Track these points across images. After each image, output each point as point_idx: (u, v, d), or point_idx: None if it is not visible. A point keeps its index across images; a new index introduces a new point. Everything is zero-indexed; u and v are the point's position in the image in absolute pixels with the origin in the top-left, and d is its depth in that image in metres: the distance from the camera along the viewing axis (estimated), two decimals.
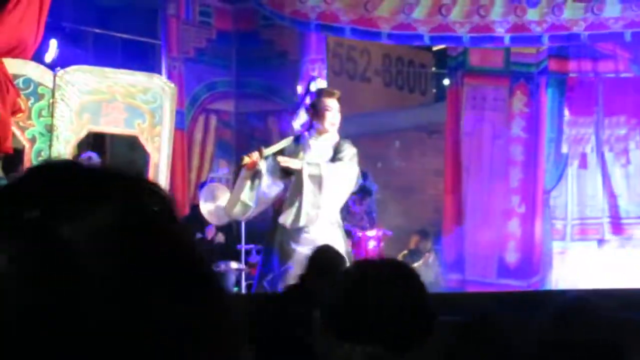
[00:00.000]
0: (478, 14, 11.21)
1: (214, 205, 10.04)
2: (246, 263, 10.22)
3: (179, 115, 10.88)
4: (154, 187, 1.06)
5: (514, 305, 6.63)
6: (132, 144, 10.14)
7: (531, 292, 10.76)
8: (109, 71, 9.29)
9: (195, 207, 10.49)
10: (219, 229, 10.39)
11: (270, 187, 7.85)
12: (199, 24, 12.40)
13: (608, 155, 12.04)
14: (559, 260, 12.11)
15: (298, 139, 8.17)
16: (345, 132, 10.57)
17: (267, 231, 8.19)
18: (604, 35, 11.29)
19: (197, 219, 10.09)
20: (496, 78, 12.21)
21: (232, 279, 10.03)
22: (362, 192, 10.75)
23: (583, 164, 12.16)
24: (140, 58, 11.84)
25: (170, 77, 11.26)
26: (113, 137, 10.89)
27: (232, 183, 9.64)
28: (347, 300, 2.57)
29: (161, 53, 11.90)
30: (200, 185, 11.04)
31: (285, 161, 7.65)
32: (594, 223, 11.91)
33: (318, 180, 7.69)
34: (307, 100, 8.37)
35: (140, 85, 9.80)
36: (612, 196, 11.83)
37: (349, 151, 7.89)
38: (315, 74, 11.92)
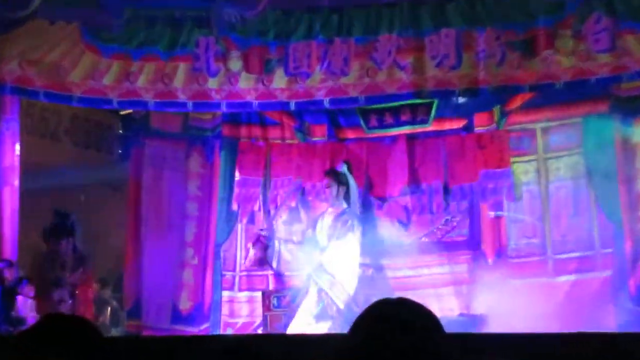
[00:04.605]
0: (162, 81, 11.16)
1: None
2: None
3: None
4: None
5: (187, 348, 6.63)
6: None
7: (201, 336, 10.80)
8: None
9: None
10: None
11: None
12: None
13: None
14: (226, 308, 12.29)
15: None
16: (33, 187, 11.24)
17: None
18: (272, 104, 11.40)
19: None
20: (175, 141, 12.42)
21: None
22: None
23: (251, 221, 12.54)
24: None
25: None
26: None
27: None
28: None
29: None
30: None
31: None
32: (259, 275, 12.29)
33: None
34: None
35: None
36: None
37: None
38: (8, 132, 11.49)
